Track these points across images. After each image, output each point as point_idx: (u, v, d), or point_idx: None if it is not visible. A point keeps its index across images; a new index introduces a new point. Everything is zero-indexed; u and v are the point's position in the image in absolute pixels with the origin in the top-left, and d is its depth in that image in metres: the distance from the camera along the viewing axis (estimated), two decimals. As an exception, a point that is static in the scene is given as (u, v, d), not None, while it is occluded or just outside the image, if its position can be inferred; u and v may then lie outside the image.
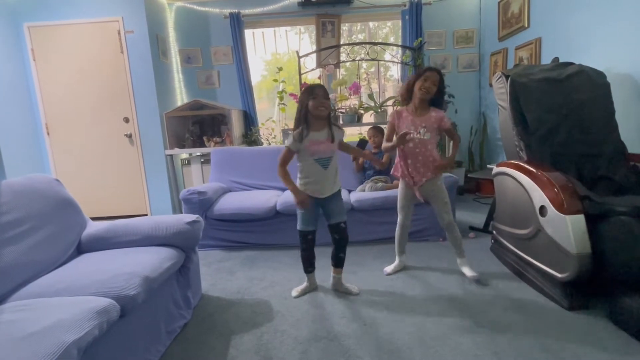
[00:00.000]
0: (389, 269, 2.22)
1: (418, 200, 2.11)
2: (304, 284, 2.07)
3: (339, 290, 2.04)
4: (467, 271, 2.10)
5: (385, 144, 2.08)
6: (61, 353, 0.92)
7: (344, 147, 2.00)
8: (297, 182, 1.92)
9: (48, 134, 3.92)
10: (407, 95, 2.05)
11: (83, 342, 1.01)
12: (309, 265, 2.04)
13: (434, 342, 1.54)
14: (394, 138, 2.04)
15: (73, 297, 1.25)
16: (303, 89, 1.90)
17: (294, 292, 2.02)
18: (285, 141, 1.90)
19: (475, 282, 2.03)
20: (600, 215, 1.64)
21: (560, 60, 2.41)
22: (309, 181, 1.88)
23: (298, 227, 1.96)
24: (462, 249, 2.15)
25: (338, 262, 2.02)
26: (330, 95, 3.73)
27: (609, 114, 2.14)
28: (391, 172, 2.18)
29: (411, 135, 1.97)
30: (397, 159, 2.13)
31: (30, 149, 3.85)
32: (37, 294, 1.31)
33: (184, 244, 1.81)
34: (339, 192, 1.97)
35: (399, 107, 2.08)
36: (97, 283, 1.31)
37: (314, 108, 1.79)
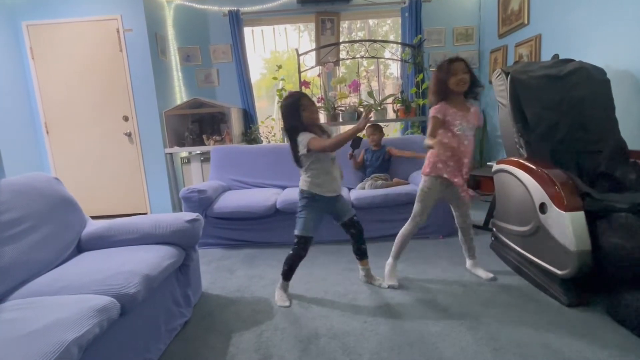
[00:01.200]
0: (390, 282, 2.03)
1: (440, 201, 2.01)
2: (284, 293, 1.96)
3: (371, 282, 2.06)
4: (482, 273, 2.07)
5: (429, 142, 1.83)
6: (62, 351, 0.92)
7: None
8: (307, 185, 1.86)
9: (47, 132, 3.92)
10: (443, 96, 1.89)
11: (83, 340, 1.01)
12: (293, 273, 1.96)
13: (435, 338, 1.54)
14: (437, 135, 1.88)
15: (73, 295, 1.25)
16: (284, 102, 1.84)
17: (286, 303, 1.91)
18: (302, 139, 1.77)
19: (491, 281, 2.02)
20: (600, 212, 1.64)
21: (561, 57, 2.40)
22: (327, 179, 1.86)
23: (299, 232, 1.86)
24: (475, 250, 2.14)
25: (363, 254, 2.04)
26: (330, 93, 3.76)
27: (609, 111, 2.14)
28: (427, 172, 1.96)
29: (458, 129, 1.86)
30: (431, 154, 1.94)
31: (30, 148, 3.85)
32: (37, 293, 1.31)
33: (184, 243, 1.81)
34: (341, 195, 1.99)
35: (439, 104, 1.88)
36: (97, 281, 1.31)
37: (309, 118, 1.79)
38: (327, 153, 1.83)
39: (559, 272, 1.71)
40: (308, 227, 1.86)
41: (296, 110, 1.78)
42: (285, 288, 1.98)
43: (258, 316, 1.81)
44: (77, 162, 3.98)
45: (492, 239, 2.47)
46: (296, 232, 1.88)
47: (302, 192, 1.89)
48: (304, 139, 1.77)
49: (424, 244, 2.61)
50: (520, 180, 1.97)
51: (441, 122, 1.87)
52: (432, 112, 1.89)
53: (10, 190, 1.58)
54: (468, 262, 2.17)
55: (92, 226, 1.87)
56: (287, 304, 1.91)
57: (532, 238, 1.92)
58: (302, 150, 1.77)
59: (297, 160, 1.86)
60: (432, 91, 1.93)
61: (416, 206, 2.00)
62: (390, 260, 2.08)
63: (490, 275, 2.03)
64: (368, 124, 2.84)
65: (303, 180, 1.89)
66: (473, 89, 1.89)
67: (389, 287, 1.99)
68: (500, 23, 3.88)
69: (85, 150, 3.96)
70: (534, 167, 1.90)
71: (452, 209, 2.10)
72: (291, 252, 1.91)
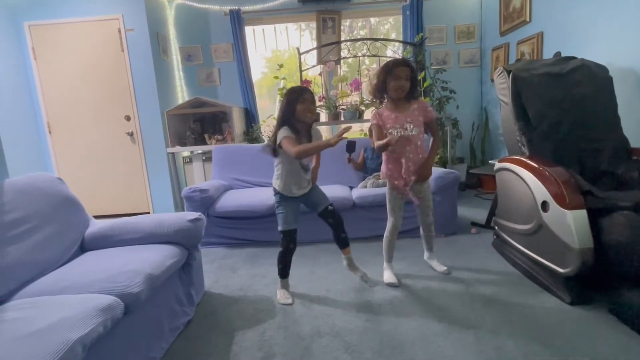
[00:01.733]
0: (390, 279, 2.04)
1: (407, 199, 2.02)
2: (285, 291, 1.98)
3: (353, 271, 2.05)
4: (437, 265, 2.16)
5: (378, 144, 1.88)
6: (66, 350, 0.93)
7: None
8: (275, 181, 1.90)
9: (50, 132, 3.94)
10: (380, 95, 1.93)
11: (88, 339, 1.02)
12: (289, 268, 1.98)
13: (436, 337, 1.54)
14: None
15: (77, 295, 1.26)
16: (289, 89, 1.84)
17: (288, 300, 1.92)
18: (280, 132, 1.76)
19: (445, 274, 2.10)
20: (602, 210, 1.63)
21: (563, 55, 2.40)
22: (288, 182, 1.87)
23: (280, 228, 1.89)
24: (433, 245, 2.22)
25: (343, 242, 2.01)
26: (331, 92, 3.76)
27: (611, 109, 2.13)
28: (383, 177, 2.05)
29: (396, 135, 1.86)
30: (385, 159, 2.00)
31: (33, 148, 3.87)
32: (41, 292, 1.32)
33: (186, 242, 1.81)
34: (315, 185, 2.00)
35: (376, 109, 1.94)
36: (101, 281, 1.32)
37: (302, 112, 1.77)
38: (298, 164, 1.84)
39: (561, 270, 1.71)
40: (288, 220, 1.88)
41: (294, 102, 1.77)
42: (285, 286, 1.99)
43: (260, 315, 1.82)
44: (79, 162, 4.00)
45: (494, 237, 2.47)
46: (279, 228, 1.90)
47: (274, 189, 1.93)
48: (281, 133, 1.76)
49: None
50: (522, 179, 1.97)
51: (380, 127, 1.91)
52: (371, 119, 1.95)
53: (14, 191, 1.59)
54: (425, 254, 2.24)
55: (95, 226, 1.88)
56: (289, 301, 1.92)
57: (534, 236, 1.92)
58: (277, 142, 1.78)
59: (267, 148, 1.87)
60: (371, 93, 1.99)
61: (387, 209, 2.06)
62: (384, 264, 2.12)
63: (444, 268, 2.11)
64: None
65: (274, 177, 1.92)
66: (410, 95, 1.91)
67: (389, 285, 2.00)
68: (502, 21, 3.87)
69: (87, 150, 3.98)
70: (535, 165, 1.89)
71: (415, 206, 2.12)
72: (280, 248, 1.93)
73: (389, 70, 1.84)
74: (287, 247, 1.91)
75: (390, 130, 1.88)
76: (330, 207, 1.96)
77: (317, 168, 2.01)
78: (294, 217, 1.91)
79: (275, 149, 1.83)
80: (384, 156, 1.99)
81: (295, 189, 1.89)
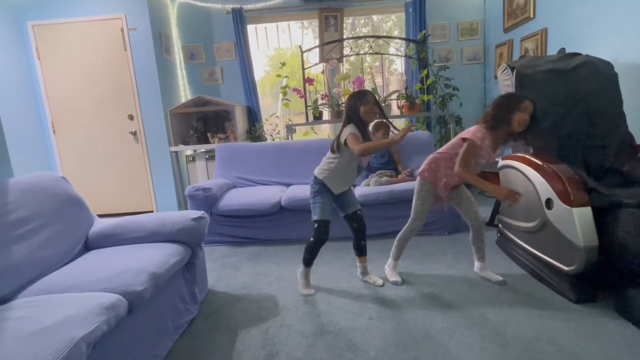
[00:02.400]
0: (394, 277, 2.03)
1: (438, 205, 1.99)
2: (307, 281, 2.02)
3: (366, 279, 2.07)
4: (492, 276, 1.99)
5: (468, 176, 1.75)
6: (71, 348, 0.94)
7: None
8: (323, 172, 1.90)
9: (54, 132, 3.96)
10: (496, 124, 1.76)
11: (92, 337, 1.03)
12: (314, 258, 1.99)
13: (440, 335, 1.54)
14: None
15: (82, 293, 1.26)
16: (351, 94, 1.88)
17: (311, 291, 1.97)
18: (347, 129, 1.80)
19: (502, 285, 1.94)
20: (607, 207, 1.62)
21: (567, 51, 2.38)
22: (338, 177, 1.89)
23: (317, 217, 1.89)
24: (484, 252, 2.05)
25: (362, 250, 2.05)
26: (334, 90, 3.75)
27: (616, 105, 2.11)
28: (420, 174, 1.93)
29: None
30: (431, 162, 1.90)
31: (37, 148, 3.89)
32: (46, 291, 1.33)
33: (189, 240, 1.82)
34: (351, 188, 2.02)
35: (481, 132, 1.77)
36: (105, 279, 1.33)
37: (365, 113, 1.80)
38: (357, 163, 1.87)
39: (565, 268, 1.70)
40: (325, 211, 1.90)
41: (358, 103, 1.81)
42: (307, 275, 2.02)
43: (264, 313, 1.82)
44: (83, 161, 4.02)
45: (498, 235, 2.45)
46: (315, 217, 1.91)
47: (315, 178, 1.92)
48: (347, 129, 1.80)
49: (429, 241, 2.61)
50: (526, 176, 1.96)
51: (477, 149, 1.77)
52: (471, 135, 1.78)
53: (19, 190, 1.60)
54: (477, 265, 2.07)
55: (99, 224, 1.89)
56: (311, 292, 1.96)
57: (538, 234, 1.90)
58: (342, 139, 1.82)
59: (333, 145, 1.89)
60: (492, 115, 1.79)
61: (414, 209, 1.96)
62: (390, 260, 2.08)
63: (500, 278, 1.95)
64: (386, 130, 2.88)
65: (321, 168, 1.92)
66: (525, 132, 1.81)
67: (392, 283, 1.99)
68: (506, 17, 3.84)
69: (91, 149, 3.99)
70: (539, 162, 1.88)
71: (457, 209, 2.04)
72: (312, 239, 1.93)
73: (518, 101, 1.73)
74: (319, 238, 1.92)
75: (478, 160, 1.80)
76: (359, 212, 1.99)
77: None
78: (330, 208, 1.93)
79: (339, 144, 1.85)
80: (436, 159, 1.90)
81: (340, 186, 1.92)
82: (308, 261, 2.00)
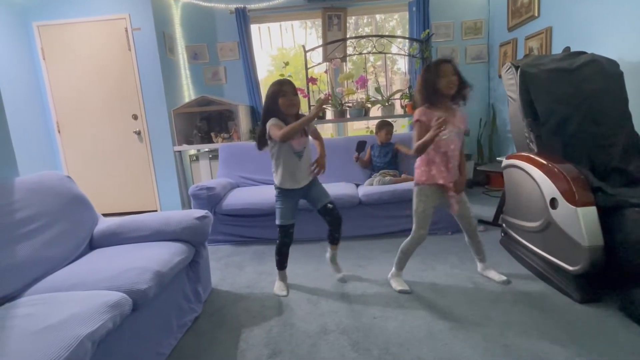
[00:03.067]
0: (401, 287, 1.95)
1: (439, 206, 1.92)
2: (281, 282, 2.05)
3: (333, 266, 2.12)
4: (495, 275, 1.98)
5: (419, 143, 1.76)
6: (76, 345, 0.95)
7: (315, 134, 2.02)
8: (276, 179, 1.91)
9: (59, 132, 3.98)
10: (433, 98, 1.79)
11: (97, 335, 1.03)
12: (285, 261, 2.05)
13: (443, 335, 1.54)
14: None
15: (86, 291, 1.27)
16: (271, 84, 1.84)
17: (283, 292, 1.99)
18: (269, 122, 1.78)
19: (506, 284, 1.93)
20: (612, 207, 1.61)
21: (572, 50, 2.36)
22: (284, 173, 1.88)
23: (278, 222, 1.93)
24: (484, 252, 2.05)
25: (334, 240, 2.06)
26: (337, 90, 3.75)
27: (622, 104, 2.09)
28: (415, 180, 1.90)
29: (445, 132, 1.75)
30: (422, 162, 1.86)
31: (42, 147, 3.92)
32: (51, 289, 1.34)
33: (193, 239, 1.83)
34: (316, 179, 1.99)
35: (423, 106, 1.80)
36: (110, 278, 1.34)
37: (285, 106, 1.79)
38: (289, 148, 1.84)
39: (570, 268, 1.69)
40: (285, 215, 1.92)
41: (275, 96, 1.79)
42: (282, 278, 2.05)
43: (267, 312, 1.82)
44: (88, 160, 4.04)
45: (502, 234, 2.44)
46: (276, 222, 1.95)
47: (274, 185, 1.95)
48: (269, 123, 1.80)
49: (432, 240, 2.60)
50: (530, 176, 1.95)
51: (427, 127, 1.75)
52: (415, 115, 1.80)
53: (25, 189, 1.62)
54: (479, 266, 2.08)
55: (104, 223, 1.90)
56: (284, 293, 1.98)
57: (542, 234, 1.90)
58: (267, 133, 1.81)
59: (258, 143, 1.90)
60: (419, 92, 1.84)
61: (415, 218, 1.89)
62: (393, 270, 2.02)
63: (504, 277, 1.94)
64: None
65: (273, 173, 1.94)
66: (461, 91, 1.80)
67: (401, 292, 1.93)
68: (510, 16, 3.83)
69: (95, 148, 4.02)
70: (544, 162, 1.87)
71: (454, 215, 1.97)
72: (277, 241, 1.97)
73: (435, 69, 1.77)
74: (282, 241, 1.97)
75: (444, 133, 1.76)
76: (329, 205, 1.97)
77: (324, 155, 1.95)
78: (292, 212, 1.94)
79: (265, 140, 1.85)
80: (422, 159, 1.86)
81: (292, 180, 1.89)
82: (279, 264, 2.05)
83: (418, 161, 1.88)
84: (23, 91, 3.72)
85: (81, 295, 1.22)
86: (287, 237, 1.96)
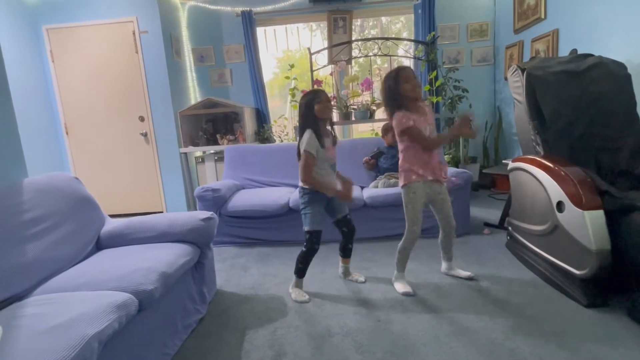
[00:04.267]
0: (405, 289, 1.95)
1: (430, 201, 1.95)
2: (300, 289, 1.99)
3: (348, 278, 2.13)
4: (460, 272, 2.07)
5: (433, 140, 1.85)
6: (83, 345, 0.96)
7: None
8: (303, 186, 1.92)
9: (67, 133, 4.03)
10: (397, 104, 1.84)
11: (104, 335, 1.04)
12: (307, 268, 1.98)
13: (448, 338, 1.53)
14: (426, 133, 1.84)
15: (93, 291, 1.28)
16: (304, 94, 1.93)
17: (305, 297, 1.93)
18: (304, 145, 1.83)
19: (471, 279, 2.02)
20: (620, 210, 1.59)
21: (579, 52, 2.35)
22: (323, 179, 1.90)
23: (308, 228, 1.89)
24: (452, 253, 2.11)
25: (348, 253, 2.11)
26: (342, 92, 3.76)
27: (629, 107, 2.08)
28: (401, 183, 1.91)
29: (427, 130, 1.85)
30: (407, 163, 1.88)
31: (51, 149, 3.96)
32: (59, 289, 1.36)
33: (198, 241, 1.84)
34: None
35: (401, 111, 1.83)
36: (116, 278, 1.35)
37: (320, 111, 1.83)
38: (329, 162, 1.91)
39: (577, 272, 1.68)
40: (316, 221, 1.90)
41: (311, 103, 1.84)
42: (300, 285, 2.01)
43: (272, 313, 1.83)
44: (95, 162, 4.09)
45: (508, 238, 2.43)
46: (306, 228, 1.91)
47: (302, 189, 1.93)
48: (305, 141, 1.84)
49: (434, 243, 2.57)
50: (536, 179, 1.94)
51: (418, 128, 1.81)
52: (403, 124, 1.80)
53: (33, 190, 1.64)
54: (444, 265, 2.12)
55: (111, 224, 1.92)
56: (306, 298, 1.94)
57: (549, 237, 1.88)
58: (301, 148, 1.86)
59: (298, 154, 1.92)
60: (387, 105, 1.89)
61: (407, 218, 1.90)
62: (395, 273, 2.02)
63: (469, 273, 2.04)
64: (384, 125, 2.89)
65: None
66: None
67: (404, 295, 1.92)
68: (516, 18, 3.81)
69: (103, 150, 4.06)
70: (551, 165, 1.86)
71: (434, 212, 1.99)
72: (304, 249, 1.93)
73: (395, 77, 1.82)
74: (312, 248, 1.92)
75: (426, 132, 1.86)
76: (348, 217, 2.01)
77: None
78: (321, 217, 1.93)
79: (299, 152, 1.89)
80: (408, 160, 1.88)
81: None
82: (301, 271, 1.99)
83: (404, 164, 1.90)
84: (32, 93, 3.77)
85: (88, 295, 1.24)
86: (317, 244, 1.91)
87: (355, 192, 2.82)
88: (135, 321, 1.28)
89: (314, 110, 1.84)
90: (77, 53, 3.88)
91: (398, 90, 1.82)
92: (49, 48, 3.87)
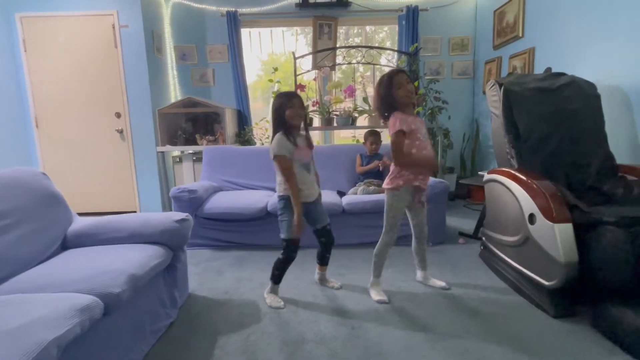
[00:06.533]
0: (379, 296, 1.94)
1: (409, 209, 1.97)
2: (275, 295, 1.97)
3: (324, 284, 2.12)
4: (436, 282, 2.08)
5: (410, 159, 1.81)
6: (39, 351, 0.90)
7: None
8: (280, 186, 1.87)
9: (37, 126, 3.86)
10: (389, 109, 1.83)
11: (63, 340, 0.98)
12: (283, 275, 1.96)
13: (421, 347, 1.54)
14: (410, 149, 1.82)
15: (56, 293, 1.22)
16: (277, 95, 1.88)
17: (280, 303, 1.91)
18: (274, 151, 1.79)
19: (445, 290, 2.03)
20: (588, 224, 1.65)
21: (553, 71, 2.44)
22: (301, 185, 1.85)
23: (284, 236, 1.86)
24: (427, 262, 2.12)
25: (325, 261, 2.10)
26: (325, 98, 3.77)
27: (599, 125, 2.17)
28: (388, 186, 1.88)
29: (422, 136, 1.83)
30: (395, 167, 1.86)
31: (18, 141, 3.78)
32: (19, 290, 1.28)
33: (172, 243, 1.78)
34: (320, 196, 2.00)
35: (396, 113, 1.81)
36: (81, 280, 1.29)
37: (291, 117, 1.80)
38: (297, 159, 1.83)
39: (546, 283, 1.73)
40: (293, 229, 1.84)
41: (283, 107, 1.80)
42: (276, 291, 1.98)
43: (245, 319, 1.79)
44: (66, 157, 3.92)
45: (482, 247, 2.48)
46: (283, 236, 1.87)
47: (280, 196, 1.88)
48: (275, 144, 1.80)
49: (410, 251, 2.61)
50: (510, 191, 1.99)
51: (404, 135, 1.78)
52: (397, 125, 1.77)
53: (-5, 184, 1.55)
54: (419, 274, 2.14)
55: (79, 223, 1.84)
56: (281, 304, 1.91)
57: (520, 248, 1.93)
58: (270, 154, 1.82)
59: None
60: (378, 108, 1.87)
61: (386, 222, 1.91)
62: (372, 279, 2.01)
63: (443, 283, 2.05)
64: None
65: (278, 184, 1.88)
66: (415, 95, 1.88)
67: (378, 302, 1.92)
68: (496, 35, 3.94)
69: (75, 145, 3.90)
70: (524, 178, 1.91)
71: (410, 218, 2.02)
72: (281, 256, 1.91)
73: (388, 82, 1.80)
74: (289, 256, 1.90)
75: (420, 137, 1.81)
76: (328, 227, 1.99)
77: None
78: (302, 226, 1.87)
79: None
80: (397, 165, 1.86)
81: (306, 191, 1.87)
82: (277, 278, 1.96)
83: (395, 167, 1.88)
84: (1, 83, 3.59)
85: (49, 297, 1.17)
86: (295, 252, 1.89)
87: (334, 197, 2.82)
88: (100, 325, 1.22)
89: (284, 114, 1.80)
90: (52, 43, 3.74)
91: (391, 94, 1.79)
92: (21, 37, 3.70)
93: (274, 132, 1.86)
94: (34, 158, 3.91)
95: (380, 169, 3.04)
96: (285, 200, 1.86)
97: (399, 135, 1.78)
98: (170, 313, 1.75)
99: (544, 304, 1.78)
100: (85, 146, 3.91)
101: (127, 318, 1.42)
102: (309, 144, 1.92)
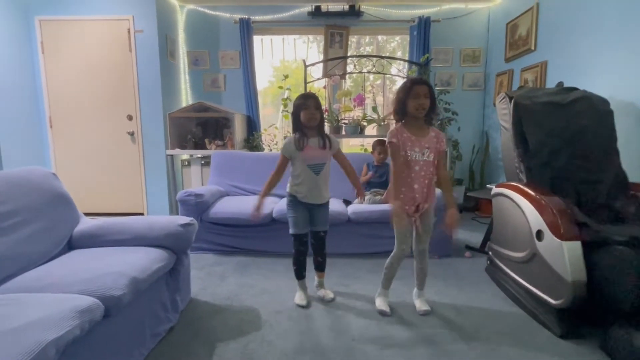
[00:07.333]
0: (382, 307, 1.93)
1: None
2: (301, 292, 2.05)
3: (319, 293, 2.11)
4: (420, 303, 1.96)
5: (393, 186, 1.80)
6: (38, 352, 0.90)
7: (339, 157, 2.05)
8: (289, 186, 1.99)
9: (51, 126, 3.93)
10: (400, 117, 1.82)
11: (62, 341, 0.99)
12: (303, 270, 2.04)
13: (422, 362, 1.51)
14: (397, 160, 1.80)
15: (58, 294, 1.22)
16: (296, 97, 1.95)
17: (302, 302, 1.99)
18: (281, 147, 1.94)
19: (423, 315, 1.91)
20: (597, 243, 1.61)
21: (565, 85, 2.41)
22: (302, 187, 1.93)
23: (292, 231, 1.97)
24: (425, 280, 2.00)
25: (318, 266, 2.11)
26: (334, 106, 3.78)
27: (610, 142, 2.13)
28: (385, 202, 1.94)
29: (409, 155, 1.77)
30: (390, 186, 1.86)
31: (33, 141, 3.86)
32: (22, 288, 1.29)
33: (175, 246, 1.79)
34: (328, 203, 2.02)
35: (397, 125, 1.82)
36: (84, 281, 1.30)
37: (305, 119, 1.87)
38: (302, 161, 1.90)
39: (553, 301, 1.68)
40: (298, 224, 1.96)
41: (298, 109, 1.88)
42: (302, 287, 2.06)
43: (245, 326, 1.78)
44: (78, 157, 3.99)
45: (488, 262, 2.44)
46: (290, 231, 1.98)
47: (287, 193, 2.00)
48: (283, 143, 1.95)
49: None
50: (518, 206, 1.96)
51: (398, 148, 1.77)
52: (388, 137, 1.81)
53: (6, 183, 1.58)
54: (415, 292, 2.03)
55: (85, 224, 1.86)
56: (304, 303, 1.98)
57: (527, 265, 1.89)
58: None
59: None
60: (394, 111, 1.85)
61: (396, 235, 1.87)
62: (379, 289, 1.99)
63: (425, 309, 1.91)
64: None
65: (289, 180, 2.00)
66: (429, 114, 1.78)
67: (380, 313, 1.90)
68: (508, 47, 3.92)
69: (87, 146, 3.97)
70: (532, 193, 1.88)
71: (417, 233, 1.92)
72: (293, 251, 2.00)
73: (408, 89, 1.74)
74: (298, 250, 1.99)
75: (408, 152, 1.77)
76: (321, 234, 2.03)
77: (355, 180, 2.10)
78: (304, 221, 1.97)
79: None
80: (396, 181, 1.82)
81: (308, 194, 1.93)
82: (297, 273, 2.05)
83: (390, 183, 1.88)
84: (18, 83, 3.67)
85: (51, 297, 1.18)
86: (303, 246, 1.99)
87: (340, 206, 2.81)
88: (100, 328, 1.23)
89: (299, 116, 1.88)
90: (69, 46, 3.82)
91: (405, 101, 1.75)
92: (39, 39, 3.80)
93: (293, 132, 1.96)
94: (47, 157, 3.98)
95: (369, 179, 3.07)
96: (290, 197, 1.97)
97: (390, 146, 1.80)
98: (171, 317, 1.76)
99: (550, 323, 1.73)
100: (96, 147, 3.97)
101: (128, 321, 1.42)
102: (324, 146, 1.92)
